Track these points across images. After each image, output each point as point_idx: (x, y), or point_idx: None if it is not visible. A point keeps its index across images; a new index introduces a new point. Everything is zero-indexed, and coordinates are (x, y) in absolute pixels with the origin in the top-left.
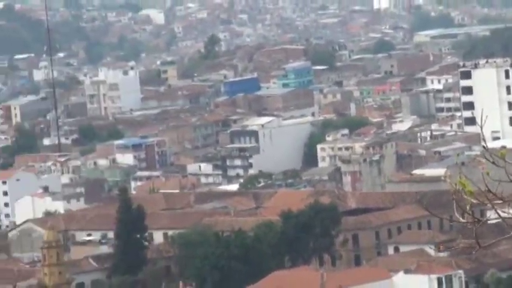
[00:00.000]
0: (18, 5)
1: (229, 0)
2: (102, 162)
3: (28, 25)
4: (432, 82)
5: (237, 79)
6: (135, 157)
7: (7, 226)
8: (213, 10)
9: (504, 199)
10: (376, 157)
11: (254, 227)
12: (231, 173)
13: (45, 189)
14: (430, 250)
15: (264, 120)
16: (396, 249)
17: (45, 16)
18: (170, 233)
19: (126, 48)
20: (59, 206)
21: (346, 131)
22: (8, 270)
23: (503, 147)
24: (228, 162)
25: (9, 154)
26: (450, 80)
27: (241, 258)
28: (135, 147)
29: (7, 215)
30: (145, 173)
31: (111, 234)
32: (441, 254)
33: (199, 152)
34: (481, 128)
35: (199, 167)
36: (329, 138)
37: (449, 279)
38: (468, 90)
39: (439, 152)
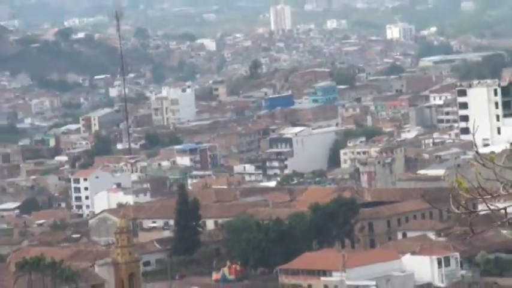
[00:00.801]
0: (97, 34)
1: (269, 31)
2: (165, 163)
3: (105, 51)
4: (434, 99)
5: (275, 96)
6: (191, 159)
7: (87, 215)
8: (256, 39)
9: (492, 194)
10: (388, 160)
11: (288, 216)
12: (270, 172)
13: (118, 185)
14: (432, 236)
15: (297, 129)
16: (404, 235)
17: (119, 44)
18: (220, 221)
19: (184, 70)
20: (129, 199)
21: (363, 139)
22: (88, 251)
23: (492, 152)
24: (267, 164)
25: (89, 156)
26: (449, 97)
27: (277, 241)
28: (192, 151)
29: (87, 206)
30: (200, 172)
31: (171, 222)
32: (440, 239)
33: (243, 155)
34: (474, 136)
35: (244, 167)
36: (350, 144)
37: (447, 259)
38: (464, 106)
39: (440, 156)
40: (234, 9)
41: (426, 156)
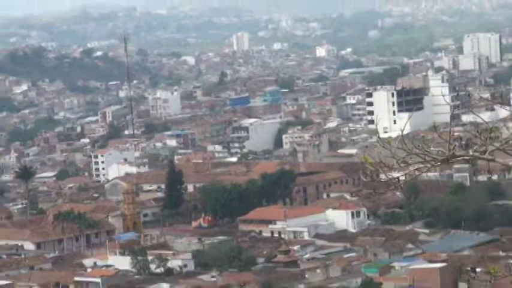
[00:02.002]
0: (111, 52)
1: (232, 51)
2: (158, 144)
3: (116, 65)
4: (349, 99)
5: (236, 97)
6: (177, 141)
7: (104, 181)
8: (223, 57)
9: (389, 167)
10: (317, 142)
11: (245, 182)
12: (232, 151)
13: (125, 160)
14: (347, 196)
15: (252, 120)
16: (328, 196)
17: (126, 60)
18: (197, 185)
19: (172, 78)
20: (133, 170)
21: (299, 127)
22: (104, 206)
23: (390, 137)
24: (230, 145)
25: (105, 139)
26: (360, 98)
27: (237, 200)
28: (178, 136)
29: (104, 175)
30: (183, 151)
31: (163, 186)
32: (353, 198)
33: (214, 138)
34: (376, 125)
35: (214, 147)
36: (289, 131)
37: (358, 213)
38: (370, 104)
39: (353, 140)
40: (208, 35)
41: (343, 139)
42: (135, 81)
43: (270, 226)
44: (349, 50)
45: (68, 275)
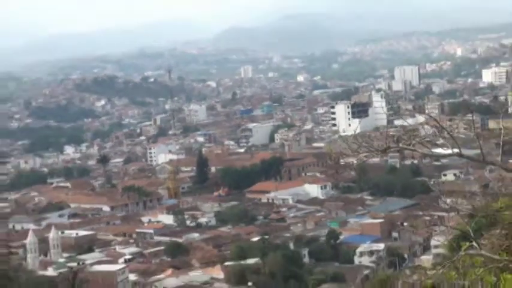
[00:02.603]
0: (160, 79)
1: (241, 78)
2: (191, 140)
3: (163, 87)
4: (321, 110)
5: (244, 109)
6: (204, 139)
7: (155, 165)
8: (235, 82)
9: (347, 155)
10: (298, 138)
11: (250, 165)
12: (241, 145)
13: (169, 151)
14: (318, 175)
15: (254, 124)
16: (305, 174)
17: (169, 83)
18: (218, 168)
19: (200, 96)
20: (175, 157)
21: (286, 129)
22: (156, 182)
23: (346, 135)
24: (240, 141)
25: (155, 137)
26: (326, 109)
27: (244, 177)
28: (205, 135)
29: (155, 161)
30: (208, 145)
31: (194, 168)
32: (322, 176)
33: (229, 136)
34: (338, 128)
35: (230, 142)
36: (279, 132)
37: (325, 186)
38: (333, 113)
39: (322, 137)
40: (224, 67)
41: (316, 137)
42: (175, 98)
43: (267, 195)
44: (319, 77)
45: (132, 228)
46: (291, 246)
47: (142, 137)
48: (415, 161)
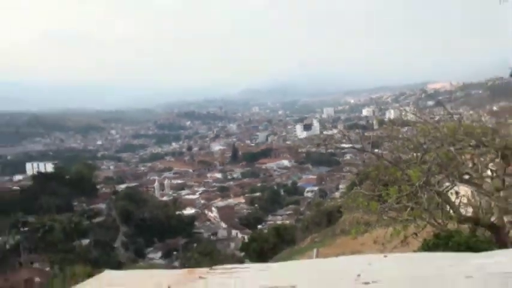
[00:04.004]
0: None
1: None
2: (230, 140)
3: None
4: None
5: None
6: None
7: (213, 151)
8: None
9: (301, 147)
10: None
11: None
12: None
13: (220, 144)
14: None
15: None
16: (282, 156)
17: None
18: (242, 152)
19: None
20: (223, 147)
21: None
22: (214, 157)
23: (304, 138)
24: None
25: (214, 138)
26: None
27: (255, 157)
28: (236, 137)
29: (213, 149)
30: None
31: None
32: (290, 156)
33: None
34: (297, 135)
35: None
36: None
37: (291, 161)
38: (295, 128)
39: (291, 139)
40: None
41: (288, 139)
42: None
43: (264, 165)
44: (289, 111)
45: (201, 179)
46: (275, 187)
47: (207, 139)
48: (332, 150)
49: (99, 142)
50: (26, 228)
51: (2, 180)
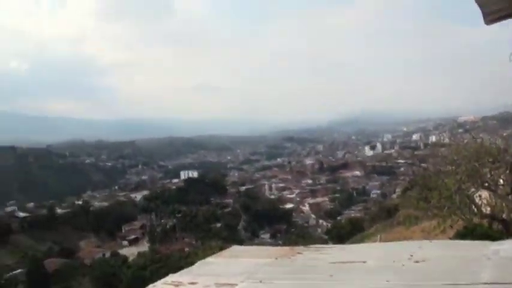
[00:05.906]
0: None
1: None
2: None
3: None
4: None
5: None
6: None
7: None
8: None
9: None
10: None
11: None
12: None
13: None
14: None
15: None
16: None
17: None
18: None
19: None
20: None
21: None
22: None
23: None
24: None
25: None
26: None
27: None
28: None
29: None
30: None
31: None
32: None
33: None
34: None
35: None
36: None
37: None
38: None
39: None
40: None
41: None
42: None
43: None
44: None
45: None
46: (350, 190)
47: (302, 156)
48: (391, 164)
49: (229, 157)
50: (179, 215)
51: (165, 182)
